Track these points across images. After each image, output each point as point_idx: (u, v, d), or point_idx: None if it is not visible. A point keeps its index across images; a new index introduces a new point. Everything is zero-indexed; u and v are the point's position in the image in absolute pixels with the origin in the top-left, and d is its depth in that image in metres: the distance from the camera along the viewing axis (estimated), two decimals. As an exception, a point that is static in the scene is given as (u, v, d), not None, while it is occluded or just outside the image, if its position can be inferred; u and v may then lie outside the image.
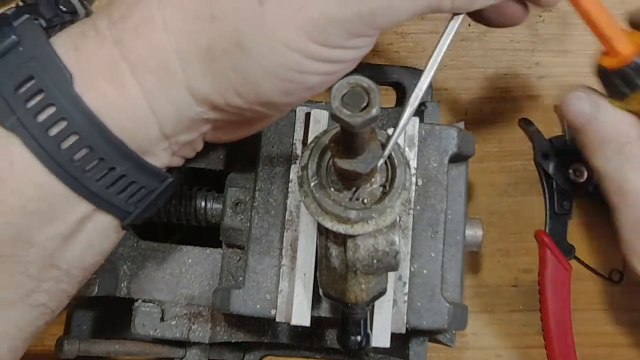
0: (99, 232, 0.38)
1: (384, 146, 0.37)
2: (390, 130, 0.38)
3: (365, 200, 0.37)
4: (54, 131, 0.34)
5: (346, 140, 0.33)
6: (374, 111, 0.30)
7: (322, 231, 0.40)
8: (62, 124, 0.34)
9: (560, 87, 0.65)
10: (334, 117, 0.31)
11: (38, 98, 0.34)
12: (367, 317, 0.44)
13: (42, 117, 0.33)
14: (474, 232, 0.53)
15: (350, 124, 0.30)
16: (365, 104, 0.30)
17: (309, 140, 0.48)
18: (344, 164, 0.34)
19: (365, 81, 0.31)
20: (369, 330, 0.44)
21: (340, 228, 0.36)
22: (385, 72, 0.64)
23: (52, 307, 0.38)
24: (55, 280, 0.37)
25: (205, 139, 0.41)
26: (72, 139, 0.34)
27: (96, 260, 0.39)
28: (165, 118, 0.36)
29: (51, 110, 0.34)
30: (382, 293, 0.43)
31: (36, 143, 0.33)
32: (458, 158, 0.51)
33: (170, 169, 0.40)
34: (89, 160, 0.34)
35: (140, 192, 0.37)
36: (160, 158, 0.38)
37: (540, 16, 0.67)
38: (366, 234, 0.37)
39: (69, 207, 0.35)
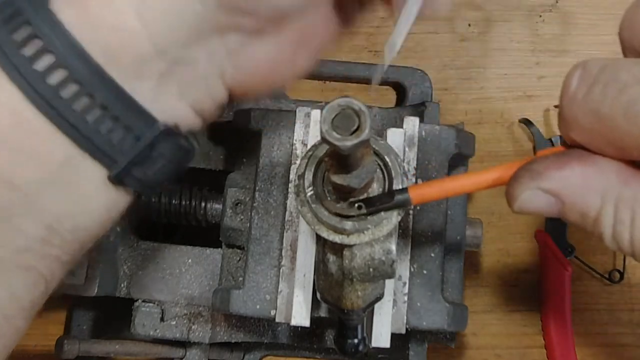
0: (85, 183, 0.34)
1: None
2: (390, 132, 0.37)
3: (362, 207, 0.36)
4: (28, 51, 0.31)
5: (339, 158, 0.33)
6: (364, 135, 0.30)
7: (319, 237, 0.40)
8: (37, 43, 0.31)
9: (560, 87, 0.65)
10: (324, 140, 0.30)
11: (13, 19, 0.31)
12: (363, 322, 0.44)
13: (16, 36, 0.31)
14: (474, 232, 0.53)
15: (340, 147, 0.30)
16: (355, 127, 0.30)
17: (309, 141, 0.48)
18: (338, 179, 0.34)
19: (356, 104, 0.30)
20: (365, 334, 0.44)
21: (336, 238, 0.36)
22: (386, 72, 0.64)
23: (45, 274, 0.35)
24: (43, 241, 0.34)
25: (230, 91, 0.36)
26: (47, 60, 0.31)
27: (88, 225, 0.36)
28: (156, 21, 0.32)
29: (27, 29, 0.31)
30: (378, 299, 0.43)
31: (7, 61, 0.31)
32: (458, 158, 0.51)
33: (183, 134, 0.35)
34: (65, 83, 0.31)
35: (127, 137, 0.33)
36: (156, 94, 0.33)
37: (540, 16, 0.67)
38: (363, 243, 0.37)
39: (49, 144, 0.32)
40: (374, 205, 0.36)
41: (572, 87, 0.32)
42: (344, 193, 0.36)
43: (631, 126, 0.30)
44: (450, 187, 0.36)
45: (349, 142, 0.30)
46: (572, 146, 0.34)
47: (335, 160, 0.34)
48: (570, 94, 0.32)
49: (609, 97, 0.30)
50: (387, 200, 0.36)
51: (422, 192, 0.36)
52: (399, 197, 0.36)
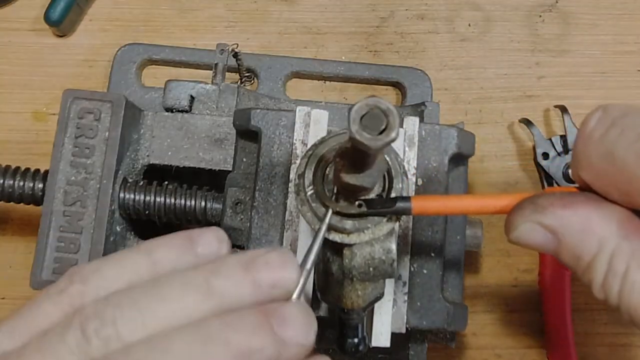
0: None
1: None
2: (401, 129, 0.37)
3: (362, 205, 0.36)
4: None
5: (356, 158, 0.33)
6: (393, 134, 0.30)
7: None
8: None
9: (560, 87, 0.65)
10: (352, 140, 0.30)
11: None
12: (364, 321, 0.44)
13: None
14: (474, 232, 0.53)
15: (370, 147, 0.30)
16: (383, 127, 0.30)
17: (309, 140, 0.48)
18: (351, 179, 0.34)
19: (384, 103, 0.30)
20: (365, 333, 0.44)
21: (336, 237, 0.36)
22: (385, 72, 0.65)
23: None
24: None
25: None
26: None
27: None
28: None
29: None
30: (378, 298, 0.43)
31: None
32: (458, 158, 0.51)
33: None
34: None
35: None
36: None
37: (540, 16, 0.67)
38: (363, 242, 0.37)
39: None
40: (375, 208, 0.36)
41: (590, 126, 0.33)
42: (353, 193, 0.36)
43: None
44: (453, 206, 0.36)
45: (380, 142, 0.30)
46: (581, 188, 0.34)
47: (348, 160, 0.34)
48: (587, 132, 0.33)
49: (625, 141, 0.31)
50: (388, 205, 0.36)
51: (424, 204, 0.36)
52: (400, 205, 0.36)
